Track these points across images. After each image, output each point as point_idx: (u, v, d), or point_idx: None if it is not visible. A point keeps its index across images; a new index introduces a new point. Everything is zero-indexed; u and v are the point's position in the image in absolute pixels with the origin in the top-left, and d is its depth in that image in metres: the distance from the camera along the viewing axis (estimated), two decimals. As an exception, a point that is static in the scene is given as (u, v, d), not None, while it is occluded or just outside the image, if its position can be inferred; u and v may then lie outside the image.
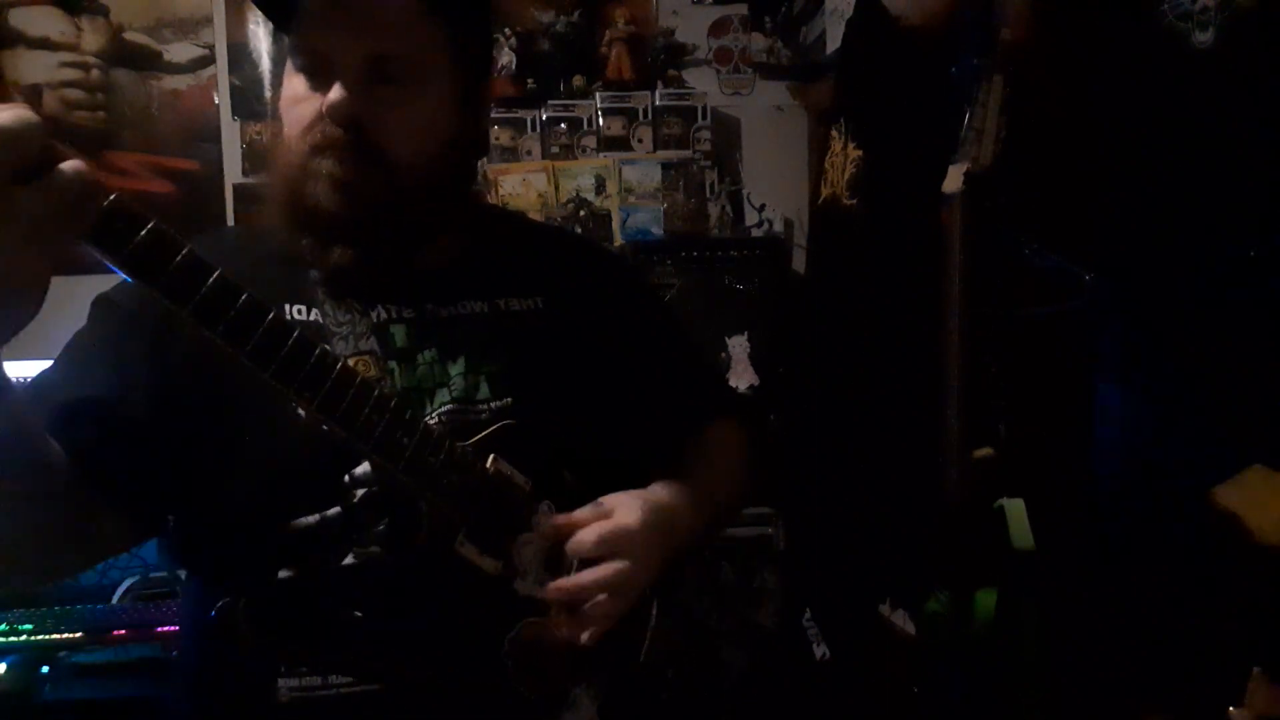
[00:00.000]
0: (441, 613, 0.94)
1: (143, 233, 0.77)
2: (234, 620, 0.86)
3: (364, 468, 0.93)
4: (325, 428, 0.86)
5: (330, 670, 0.92)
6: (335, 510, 0.94)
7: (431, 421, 0.97)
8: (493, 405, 1.01)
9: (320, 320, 1.00)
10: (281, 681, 0.92)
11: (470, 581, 0.93)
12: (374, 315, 1.02)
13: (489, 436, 0.97)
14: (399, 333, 1.02)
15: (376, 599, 0.92)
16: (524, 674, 0.95)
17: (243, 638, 0.86)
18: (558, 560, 0.99)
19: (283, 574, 0.94)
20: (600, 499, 1.02)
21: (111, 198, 0.76)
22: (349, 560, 0.93)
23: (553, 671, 0.97)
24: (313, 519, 0.94)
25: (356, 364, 0.97)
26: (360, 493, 0.94)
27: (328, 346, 0.89)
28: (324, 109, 0.96)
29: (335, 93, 0.95)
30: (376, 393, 0.88)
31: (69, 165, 0.73)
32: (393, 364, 1.00)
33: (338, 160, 0.96)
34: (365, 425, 0.86)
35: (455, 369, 1.02)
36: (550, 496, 1.00)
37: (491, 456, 0.96)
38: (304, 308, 1.01)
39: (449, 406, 1.00)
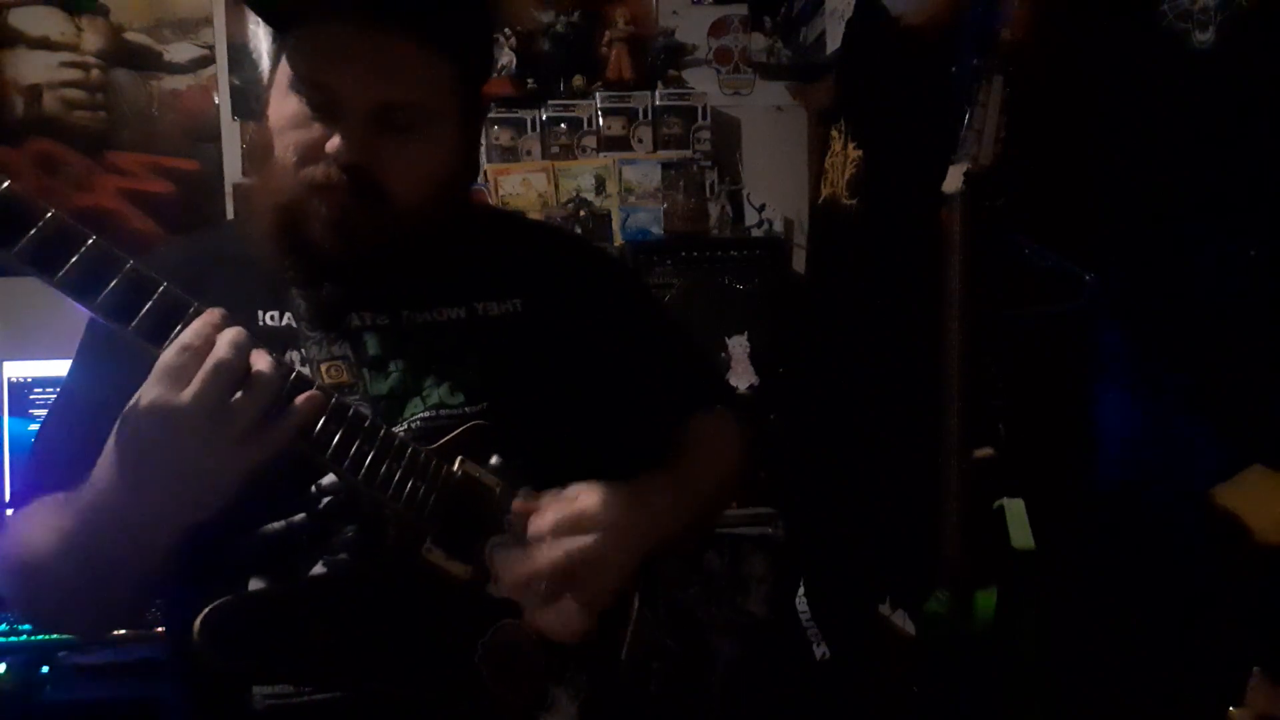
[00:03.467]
0: (413, 620, 0.92)
1: (82, 249, 0.77)
2: (192, 639, 0.84)
3: (331, 476, 0.92)
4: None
5: (300, 682, 0.91)
6: (300, 516, 0.93)
7: (400, 429, 0.96)
8: (467, 411, 1.00)
9: (293, 325, 1.00)
10: (256, 689, 0.92)
11: (441, 587, 0.92)
12: (349, 321, 1.01)
13: (458, 439, 0.96)
14: (372, 340, 1.01)
15: (346, 609, 0.91)
16: (499, 677, 0.94)
17: (204, 655, 0.85)
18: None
19: (252, 584, 0.93)
20: (568, 487, 0.99)
21: (48, 215, 0.77)
22: (318, 570, 0.93)
23: (529, 673, 0.96)
24: (279, 525, 0.94)
25: (328, 369, 0.96)
26: (326, 500, 0.93)
27: (283, 359, 0.87)
28: (329, 150, 0.93)
29: (341, 139, 0.93)
30: (333, 402, 0.86)
31: (265, 365, 0.81)
32: (365, 371, 0.99)
33: (337, 204, 0.94)
34: (321, 436, 0.85)
35: (429, 377, 1.01)
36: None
37: (459, 459, 0.95)
38: (277, 313, 1.01)
39: (423, 414, 0.99)
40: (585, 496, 0.98)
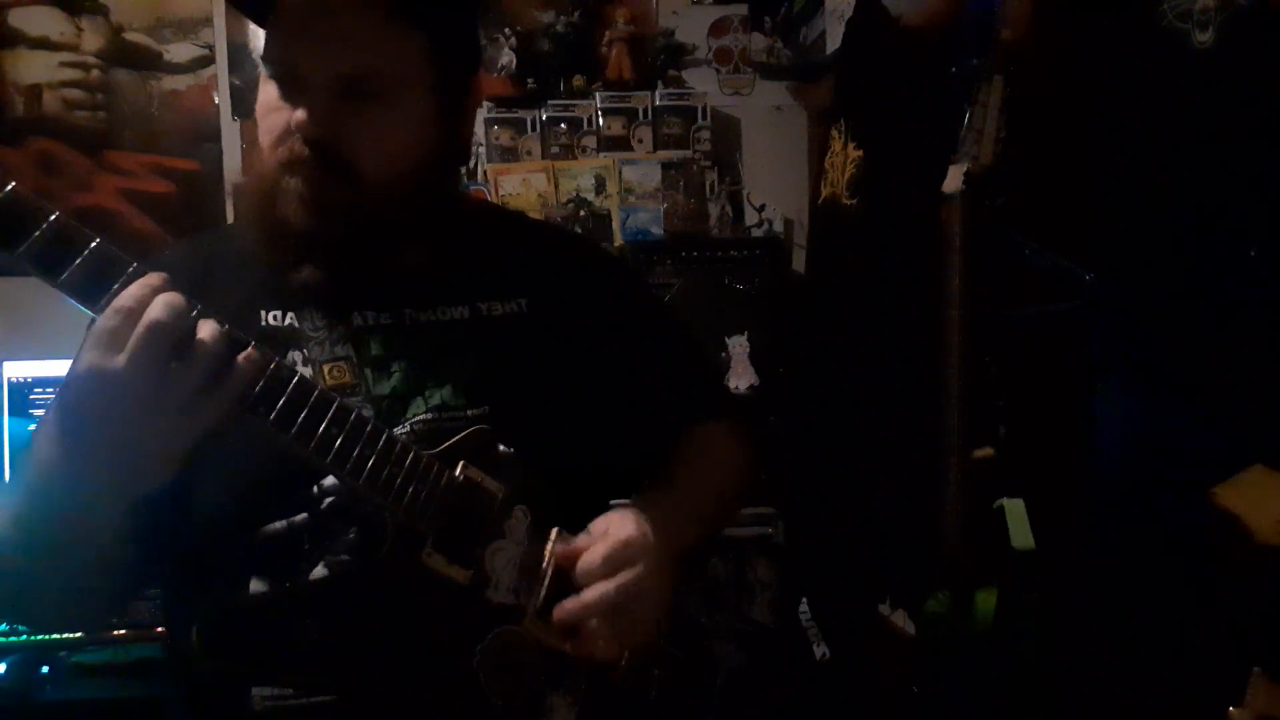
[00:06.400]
0: (411, 624, 0.92)
1: (85, 253, 0.76)
2: (189, 643, 0.84)
3: (332, 478, 0.92)
4: (284, 443, 0.84)
5: (298, 685, 0.91)
6: (303, 517, 0.93)
7: (402, 431, 0.95)
8: (469, 413, 1.00)
9: (296, 325, 0.99)
10: (255, 690, 0.91)
11: (440, 591, 0.92)
12: (352, 320, 1.01)
13: (460, 443, 0.96)
14: (375, 340, 1.01)
15: (344, 612, 0.90)
16: (496, 683, 0.94)
17: (203, 660, 0.84)
18: (532, 567, 0.97)
19: (253, 585, 0.93)
20: (590, 525, 1.00)
21: (52, 217, 0.76)
22: (319, 571, 0.93)
23: (526, 679, 0.96)
24: (281, 525, 0.93)
25: (331, 370, 0.96)
26: (328, 501, 0.93)
27: (284, 360, 0.87)
28: (294, 125, 0.94)
29: (304, 111, 0.94)
30: (336, 405, 0.85)
31: (207, 333, 0.77)
32: (368, 371, 0.99)
33: (306, 179, 0.94)
34: (323, 440, 0.84)
35: (431, 378, 1.01)
36: (528, 502, 0.99)
37: (461, 463, 0.94)
38: (280, 312, 1.00)
39: (424, 415, 0.99)
40: (618, 527, 0.99)
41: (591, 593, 0.95)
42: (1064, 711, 1.62)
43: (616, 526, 0.99)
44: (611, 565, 0.96)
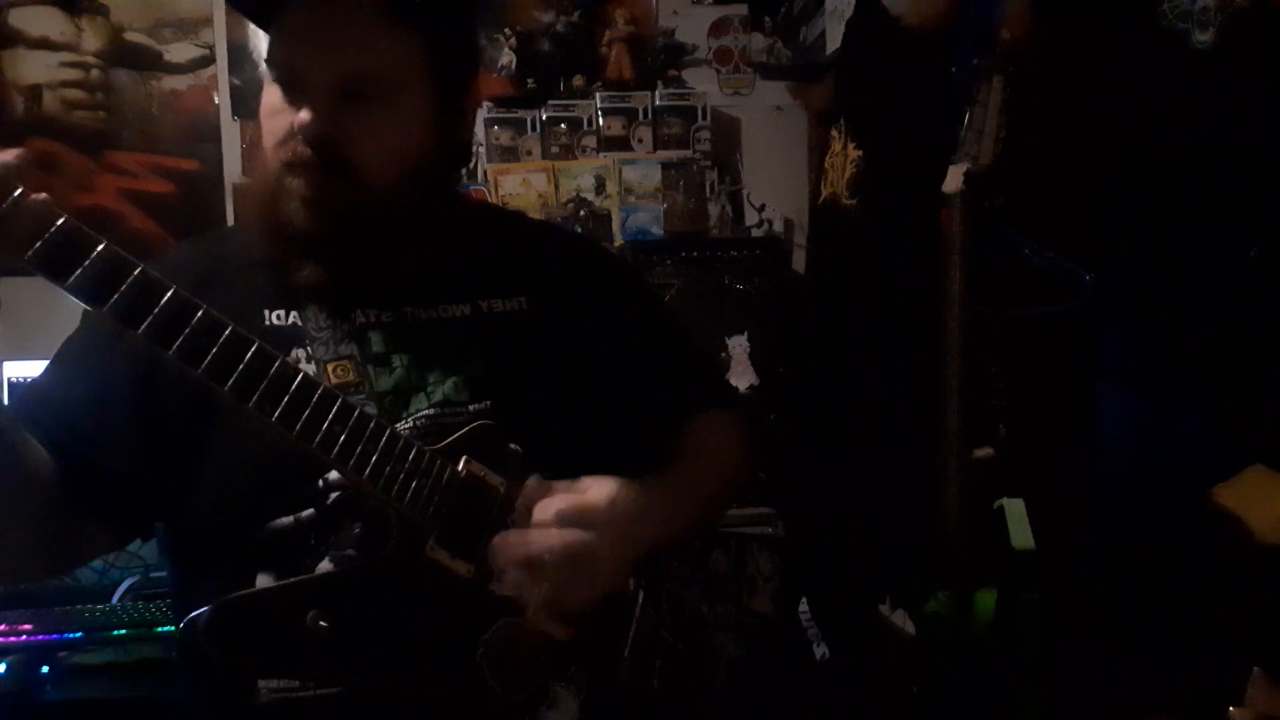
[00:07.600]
0: (415, 617, 0.93)
1: (90, 258, 0.78)
2: (196, 636, 0.85)
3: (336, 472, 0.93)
4: (288, 440, 0.86)
5: (304, 678, 0.92)
6: (309, 512, 0.94)
7: (405, 426, 0.97)
8: (471, 408, 1.01)
9: (300, 324, 1.01)
10: (261, 682, 0.92)
11: (444, 585, 0.93)
12: (354, 319, 1.02)
13: (463, 438, 0.97)
14: (376, 337, 1.02)
15: (349, 606, 0.91)
16: (500, 674, 0.95)
17: (206, 653, 0.86)
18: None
19: (260, 579, 0.94)
20: (580, 479, 1.00)
21: (60, 222, 0.77)
22: (324, 566, 0.94)
23: (531, 670, 0.96)
24: (288, 520, 0.94)
25: (335, 369, 0.98)
26: (334, 496, 0.94)
27: (288, 359, 0.88)
28: (296, 127, 0.96)
29: (306, 112, 0.95)
30: (339, 403, 0.87)
31: None
32: (370, 367, 1.00)
33: (308, 180, 0.96)
34: (326, 438, 0.86)
35: (433, 373, 1.02)
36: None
37: (464, 458, 0.96)
38: (284, 312, 1.02)
39: (427, 411, 1.00)
40: (594, 491, 0.99)
41: (538, 539, 0.94)
42: (1064, 711, 1.62)
43: (593, 490, 0.98)
44: (562, 521, 0.95)
